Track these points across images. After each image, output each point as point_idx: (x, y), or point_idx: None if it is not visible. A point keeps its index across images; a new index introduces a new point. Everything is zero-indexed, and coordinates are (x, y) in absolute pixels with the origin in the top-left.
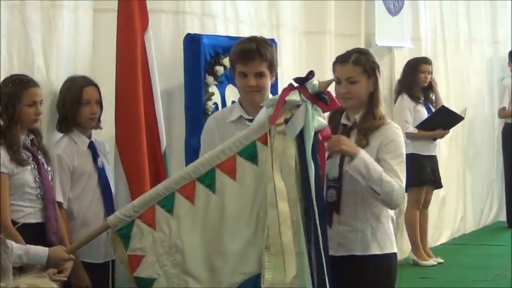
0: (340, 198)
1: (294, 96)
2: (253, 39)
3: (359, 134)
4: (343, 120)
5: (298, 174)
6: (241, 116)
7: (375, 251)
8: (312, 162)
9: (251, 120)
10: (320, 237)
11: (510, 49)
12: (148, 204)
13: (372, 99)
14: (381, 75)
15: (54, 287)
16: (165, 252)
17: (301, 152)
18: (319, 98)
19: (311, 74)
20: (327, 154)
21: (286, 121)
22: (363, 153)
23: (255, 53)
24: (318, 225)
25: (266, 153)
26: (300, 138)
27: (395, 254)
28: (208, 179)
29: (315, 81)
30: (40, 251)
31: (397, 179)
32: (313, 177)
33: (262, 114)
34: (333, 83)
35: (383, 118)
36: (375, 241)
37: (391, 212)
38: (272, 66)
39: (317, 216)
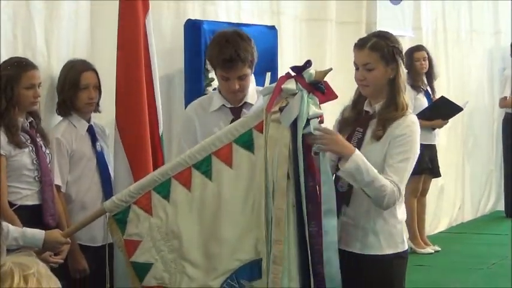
0: (351, 190)
1: (290, 85)
2: (230, 43)
3: (378, 125)
4: (366, 107)
5: (291, 162)
6: (223, 105)
7: (375, 251)
8: (301, 149)
9: (233, 109)
10: (306, 226)
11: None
12: (145, 190)
13: (393, 86)
14: None
15: (41, 265)
16: (161, 238)
17: (295, 140)
18: (316, 87)
19: (308, 63)
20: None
21: (281, 109)
22: (357, 155)
23: (236, 61)
24: (305, 215)
25: (262, 140)
26: (295, 127)
27: (399, 254)
28: (204, 166)
29: (311, 70)
30: (37, 234)
31: (395, 177)
32: (302, 164)
33: (259, 102)
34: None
35: (405, 108)
36: (375, 240)
37: (401, 213)
38: (253, 63)
39: (305, 206)
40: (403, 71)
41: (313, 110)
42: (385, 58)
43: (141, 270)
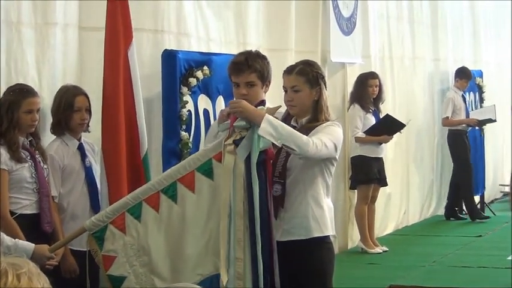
0: (284, 192)
1: (241, 122)
2: (244, 53)
3: (301, 131)
4: (293, 123)
5: (245, 188)
6: None
7: (317, 233)
8: (256, 178)
9: None
10: (259, 244)
11: (449, 65)
12: (119, 211)
13: (317, 106)
14: (335, 87)
15: (31, 264)
16: (134, 254)
17: (248, 169)
18: None
19: (262, 102)
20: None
21: (235, 142)
22: (268, 116)
23: (243, 65)
24: (259, 234)
25: (221, 169)
26: (248, 157)
27: (332, 236)
28: (171, 191)
29: (264, 108)
30: (27, 246)
31: (315, 137)
32: (257, 191)
33: (220, 137)
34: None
35: (325, 120)
36: (316, 224)
37: (330, 202)
38: (263, 77)
39: (259, 226)
40: (325, 93)
41: (264, 142)
42: (309, 82)
43: (116, 282)
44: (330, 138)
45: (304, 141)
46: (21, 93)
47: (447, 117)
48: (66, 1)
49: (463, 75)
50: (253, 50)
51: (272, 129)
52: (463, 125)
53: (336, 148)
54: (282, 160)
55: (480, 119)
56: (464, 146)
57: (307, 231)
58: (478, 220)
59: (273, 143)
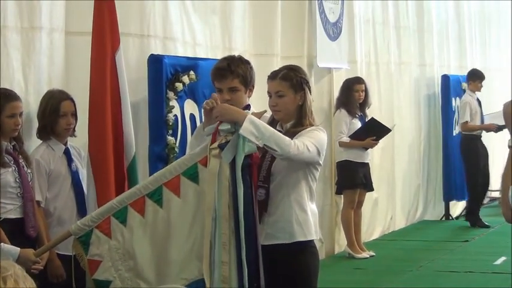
0: (268, 197)
1: (226, 126)
2: (227, 58)
3: (285, 136)
4: (278, 128)
5: (230, 193)
6: None
7: (301, 237)
8: (241, 182)
9: None
10: (244, 247)
11: (435, 71)
12: (105, 215)
13: (301, 111)
14: (321, 92)
15: (17, 267)
16: (119, 258)
17: (233, 173)
18: None
19: (247, 107)
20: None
21: (220, 146)
22: (251, 116)
23: (226, 71)
24: (243, 239)
25: (206, 174)
26: (233, 161)
27: (313, 241)
28: (156, 195)
29: (250, 111)
30: (12, 250)
31: (298, 140)
32: (242, 195)
33: (205, 141)
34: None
35: (310, 125)
36: (300, 228)
37: (314, 207)
38: (246, 82)
39: (243, 230)
40: (310, 98)
41: (249, 146)
42: (294, 87)
43: (102, 286)
44: (313, 142)
45: (286, 142)
46: (4, 97)
47: (466, 122)
48: (52, 5)
49: (475, 77)
50: (236, 55)
51: (254, 129)
52: (478, 131)
53: (319, 152)
54: (266, 164)
55: (500, 124)
56: (476, 152)
57: (290, 235)
58: (477, 226)
59: (258, 147)
